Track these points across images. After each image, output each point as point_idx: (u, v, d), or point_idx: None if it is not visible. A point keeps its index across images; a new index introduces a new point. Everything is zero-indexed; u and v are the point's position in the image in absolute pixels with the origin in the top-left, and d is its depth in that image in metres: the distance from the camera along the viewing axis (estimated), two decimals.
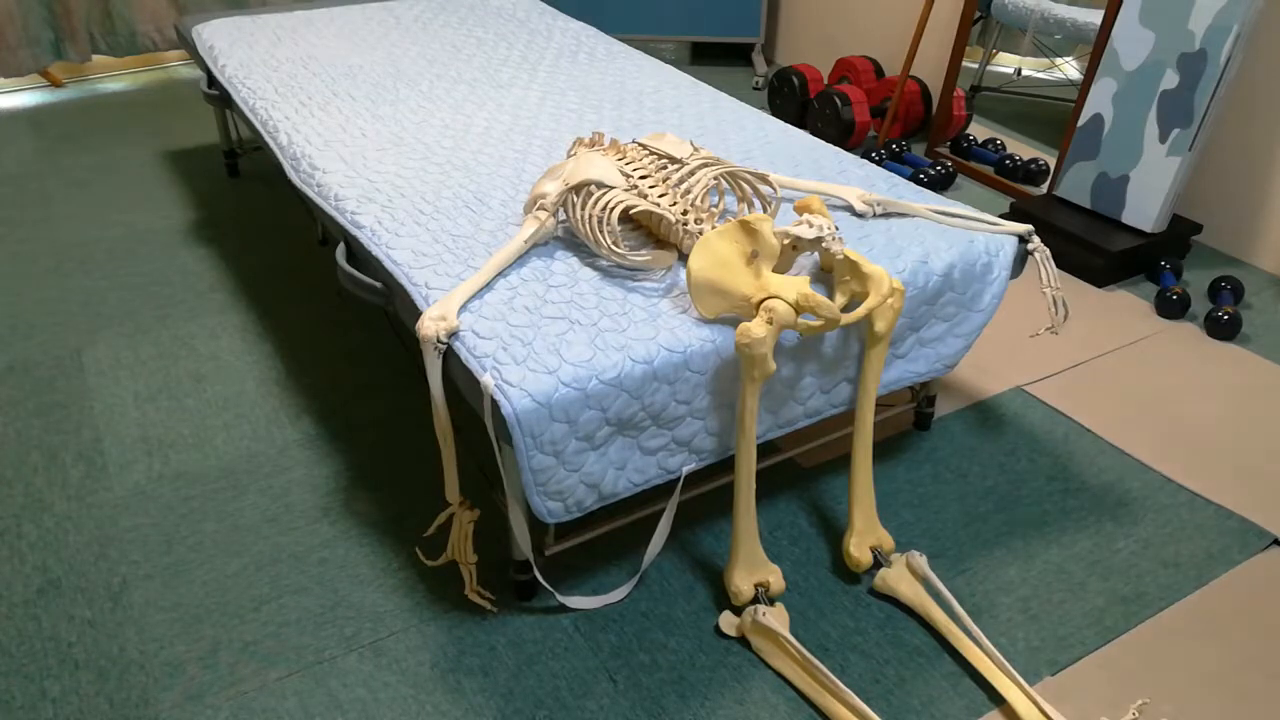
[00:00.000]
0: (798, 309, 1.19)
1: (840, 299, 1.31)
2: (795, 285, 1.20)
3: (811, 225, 1.28)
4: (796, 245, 1.29)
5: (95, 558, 1.44)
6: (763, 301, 1.19)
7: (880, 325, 1.31)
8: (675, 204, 1.35)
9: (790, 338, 1.28)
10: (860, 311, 1.27)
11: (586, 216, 1.33)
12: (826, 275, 1.37)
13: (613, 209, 1.32)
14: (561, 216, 1.44)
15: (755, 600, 1.31)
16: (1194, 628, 1.34)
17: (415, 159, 1.70)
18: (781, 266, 1.33)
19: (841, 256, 1.29)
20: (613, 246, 1.31)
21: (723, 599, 1.35)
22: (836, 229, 1.31)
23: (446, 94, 2.04)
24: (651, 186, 1.37)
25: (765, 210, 1.47)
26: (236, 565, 1.43)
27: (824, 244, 1.28)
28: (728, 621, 1.32)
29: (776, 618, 1.29)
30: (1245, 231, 2.33)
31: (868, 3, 3.23)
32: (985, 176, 2.74)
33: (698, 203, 1.37)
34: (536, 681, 1.26)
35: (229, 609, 1.36)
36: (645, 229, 1.43)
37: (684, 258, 1.37)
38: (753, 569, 1.32)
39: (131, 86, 3.45)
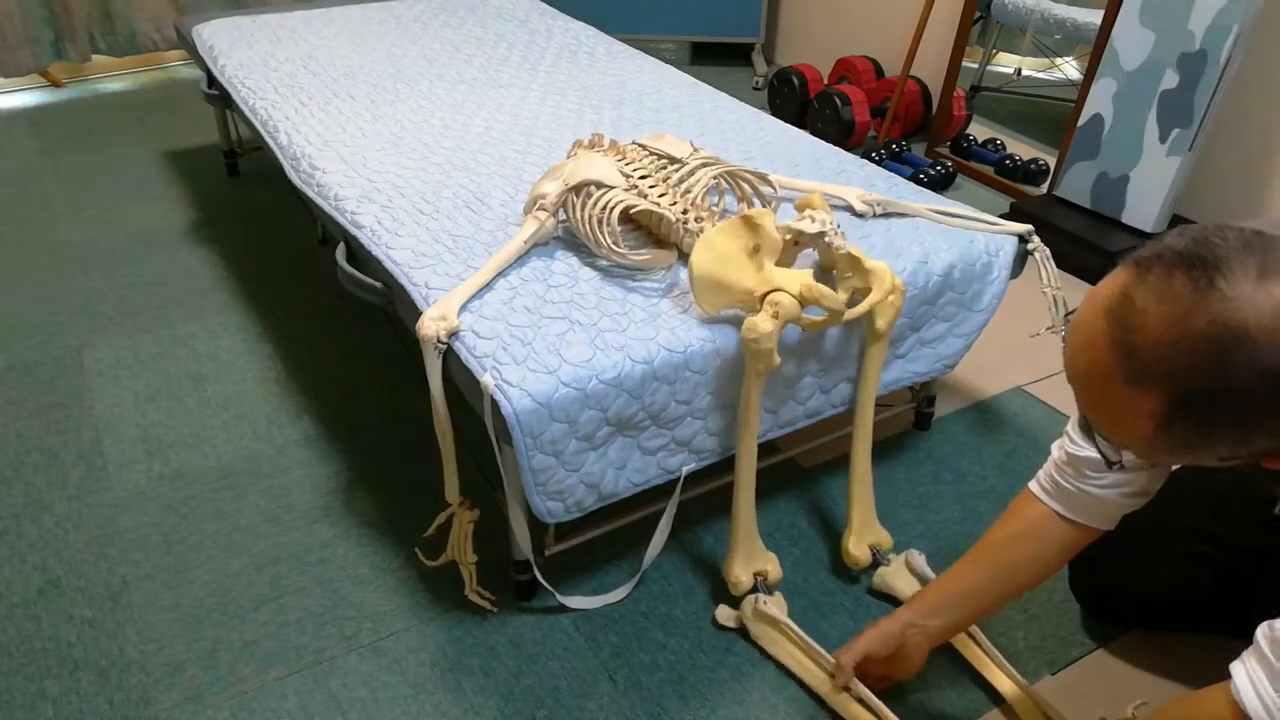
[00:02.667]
0: (802, 301, 1.18)
1: (842, 295, 1.31)
2: (799, 278, 1.19)
3: (814, 220, 1.28)
4: (799, 241, 1.29)
5: (95, 558, 1.44)
6: (766, 295, 1.19)
7: (881, 322, 1.31)
8: (675, 203, 1.35)
9: (792, 335, 1.28)
10: (864, 306, 1.27)
11: (586, 216, 1.33)
12: (826, 275, 1.37)
13: (612, 208, 1.32)
14: (561, 217, 1.44)
15: (754, 590, 1.31)
16: (1195, 628, 1.34)
17: (415, 159, 1.70)
18: (783, 263, 1.32)
19: (844, 251, 1.29)
20: (613, 246, 1.31)
21: (723, 598, 1.35)
22: (838, 225, 1.31)
23: (446, 94, 2.04)
24: (651, 186, 1.37)
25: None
26: (236, 565, 1.43)
27: (826, 238, 1.27)
28: (725, 614, 1.32)
29: (776, 605, 1.29)
30: None
31: (868, 3, 3.23)
32: (985, 176, 2.74)
33: (698, 201, 1.37)
34: (536, 681, 1.26)
35: (229, 609, 1.36)
36: (645, 229, 1.43)
37: (684, 257, 1.37)
38: (751, 559, 1.31)
39: (131, 86, 3.45)
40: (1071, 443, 1.06)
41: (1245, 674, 0.83)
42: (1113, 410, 0.75)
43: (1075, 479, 1.07)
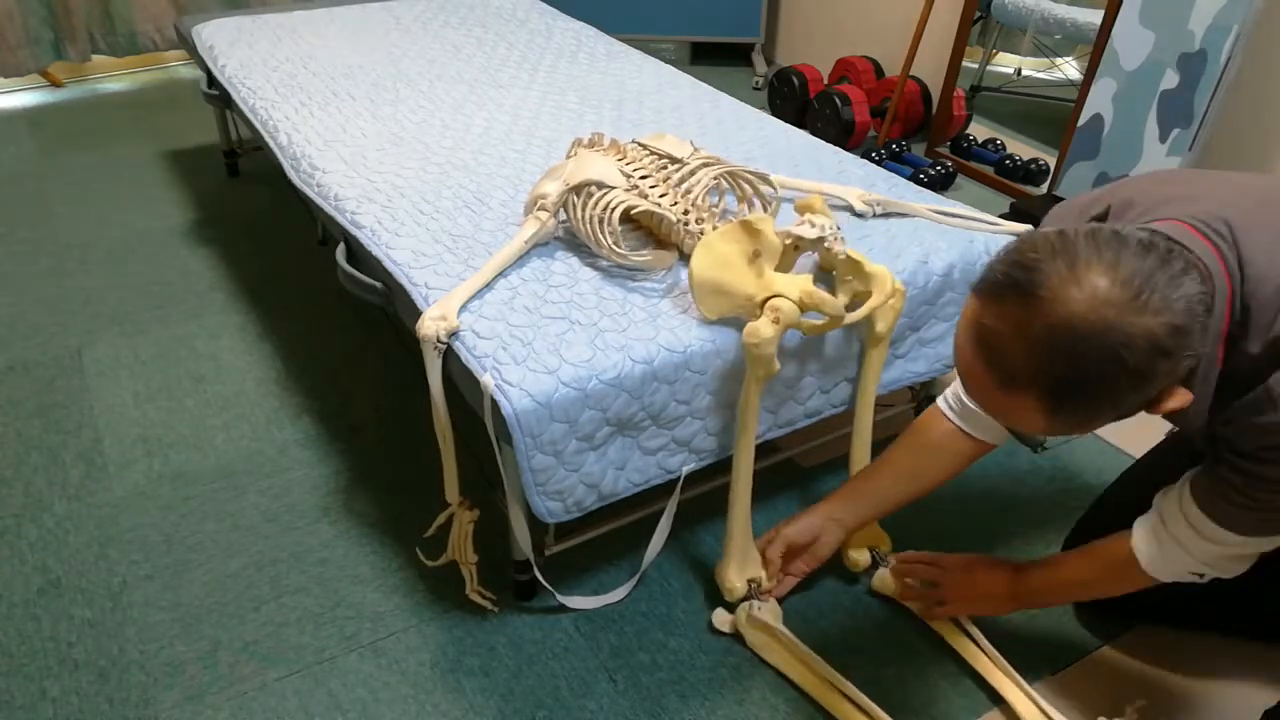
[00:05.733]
0: (802, 307, 1.19)
1: (842, 298, 1.31)
2: (799, 283, 1.20)
3: (814, 225, 1.28)
4: (799, 245, 1.29)
5: (95, 558, 1.44)
6: (767, 300, 1.19)
7: (881, 326, 1.31)
8: (676, 204, 1.35)
9: (792, 337, 1.28)
10: (863, 311, 1.27)
11: (587, 217, 1.33)
12: (826, 275, 1.37)
13: (613, 209, 1.32)
14: (562, 217, 1.44)
15: (748, 596, 1.31)
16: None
17: (415, 159, 1.70)
18: (783, 266, 1.32)
19: (844, 256, 1.29)
20: (614, 246, 1.31)
21: (722, 600, 1.35)
22: (839, 229, 1.31)
23: (446, 94, 2.04)
24: (652, 186, 1.36)
25: (765, 210, 1.47)
26: (236, 565, 1.43)
27: (826, 244, 1.28)
28: (721, 619, 1.32)
29: (770, 612, 1.29)
30: None
31: (868, 3, 3.23)
32: (985, 176, 2.74)
33: (698, 202, 1.37)
34: (536, 681, 1.26)
35: (229, 609, 1.36)
36: (646, 229, 1.43)
37: (685, 257, 1.37)
38: (745, 565, 1.31)
39: (131, 86, 3.45)
40: None
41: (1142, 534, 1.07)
42: (1008, 413, 0.86)
43: None
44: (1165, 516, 1.04)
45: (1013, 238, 1.49)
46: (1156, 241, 0.79)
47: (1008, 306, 0.80)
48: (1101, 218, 0.94)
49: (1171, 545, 1.03)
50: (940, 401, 1.27)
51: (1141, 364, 0.76)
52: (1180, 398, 0.82)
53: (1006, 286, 0.80)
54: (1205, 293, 0.79)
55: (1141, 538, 1.07)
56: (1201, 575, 1.04)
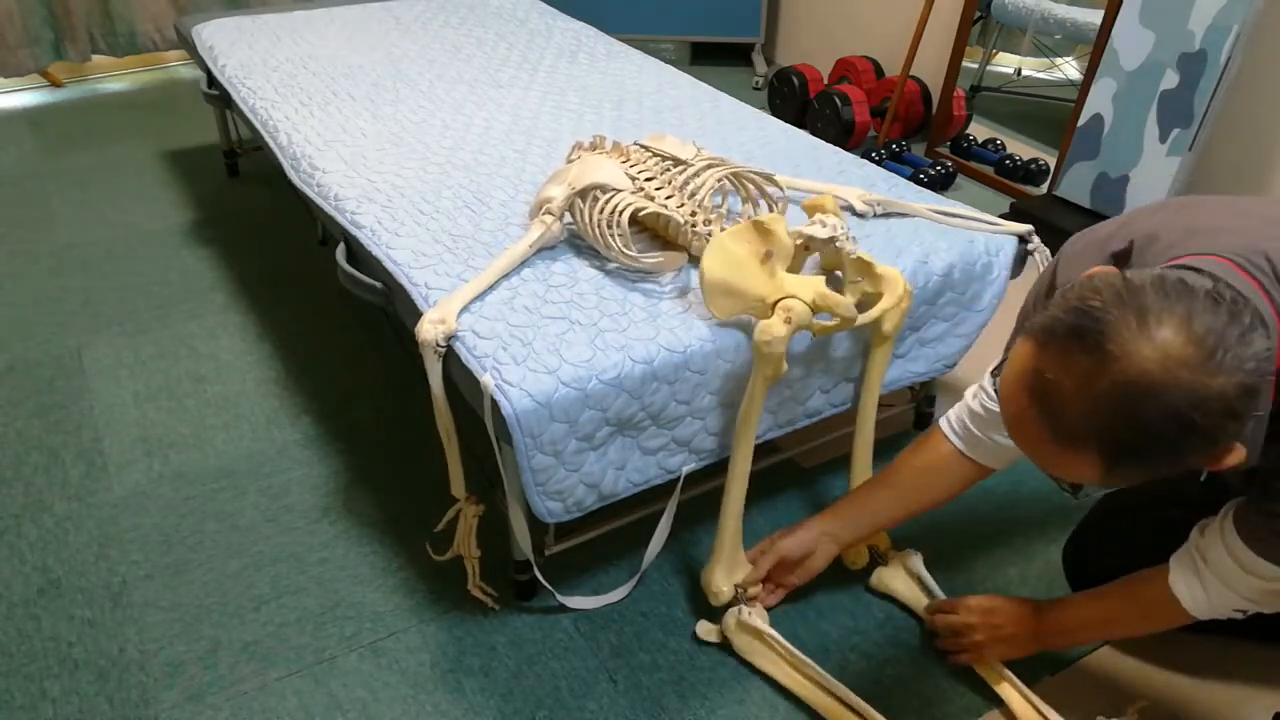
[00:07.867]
0: (815, 309, 1.18)
1: (850, 300, 1.31)
2: (812, 285, 1.19)
3: (825, 225, 1.27)
4: (809, 245, 1.29)
5: (95, 558, 1.44)
6: (779, 302, 1.18)
7: (887, 325, 1.31)
8: (682, 205, 1.35)
9: (800, 339, 1.28)
10: (875, 312, 1.27)
11: (594, 220, 1.33)
12: (830, 275, 1.36)
13: (621, 211, 1.32)
14: (567, 220, 1.44)
15: (734, 601, 1.30)
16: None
17: (415, 159, 1.70)
18: (793, 267, 1.32)
19: (855, 256, 1.28)
20: (623, 249, 1.31)
21: (707, 610, 1.35)
22: (849, 229, 1.31)
23: (446, 94, 2.04)
24: (658, 189, 1.36)
25: (772, 210, 1.47)
26: (236, 565, 1.43)
27: (837, 243, 1.27)
28: (705, 629, 1.31)
29: (759, 617, 1.28)
30: None
31: (868, 3, 3.23)
32: (985, 176, 2.74)
33: (704, 203, 1.37)
34: (536, 681, 1.26)
35: (229, 609, 1.36)
36: (650, 231, 1.43)
37: (694, 259, 1.37)
38: (733, 569, 1.31)
39: (131, 86, 3.45)
40: (990, 398, 1.19)
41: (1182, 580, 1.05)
42: (1060, 466, 0.81)
43: (984, 430, 1.20)
44: (1207, 554, 1.01)
45: (1013, 238, 1.50)
46: (1223, 293, 0.75)
47: (1072, 359, 0.75)
48: (1125, 253, 0.90)
49: (1215, 584, 1.01)
50: (943, 423, 1.26)
51: (1211, 426, 0.73)
52: (1237, 454, 0.78)
53: (1071, 336, 0.75)
54: (1270, 348, 0.75)
55: (1182, 578, 1.04)
56: (1245, 611, 1.02)
